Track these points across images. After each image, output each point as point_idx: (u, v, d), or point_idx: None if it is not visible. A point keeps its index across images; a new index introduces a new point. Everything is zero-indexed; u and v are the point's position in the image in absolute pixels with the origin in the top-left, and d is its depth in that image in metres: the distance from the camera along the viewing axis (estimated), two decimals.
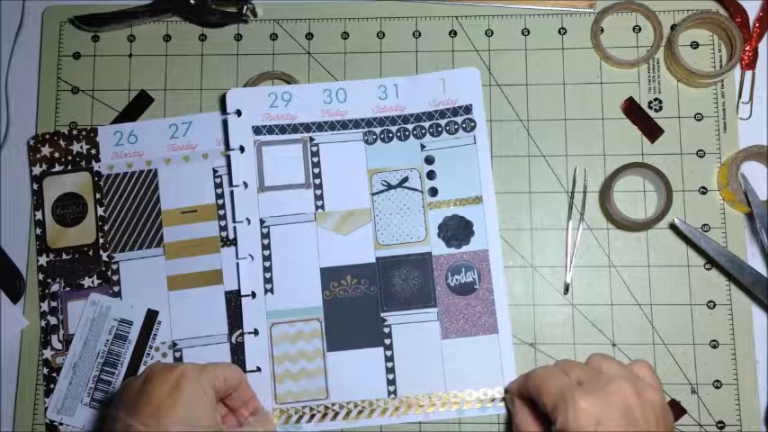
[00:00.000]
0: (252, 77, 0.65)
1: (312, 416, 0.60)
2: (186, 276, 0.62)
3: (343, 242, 0.62)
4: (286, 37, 0.66)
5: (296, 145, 0.63)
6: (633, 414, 0.46)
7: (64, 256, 0.63)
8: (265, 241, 0.62)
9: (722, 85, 0.63)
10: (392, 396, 0.60)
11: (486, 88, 0.64)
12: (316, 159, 0.63)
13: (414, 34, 0.65)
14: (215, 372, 0.53)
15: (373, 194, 0.62)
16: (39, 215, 0.63)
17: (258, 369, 0.60)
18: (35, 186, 0.64)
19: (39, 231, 0.63)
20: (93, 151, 0.64)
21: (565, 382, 0.49)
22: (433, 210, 0.62)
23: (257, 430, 0.56)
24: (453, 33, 0.65)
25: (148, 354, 0.61)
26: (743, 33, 0.62)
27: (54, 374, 0.61)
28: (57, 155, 0.64)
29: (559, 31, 0.65)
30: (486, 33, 0.65)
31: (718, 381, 0.59)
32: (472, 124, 0.63)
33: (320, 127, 0.63)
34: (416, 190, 0.62)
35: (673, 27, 0.64)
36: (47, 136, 0.64)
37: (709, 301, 0.61)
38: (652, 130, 0.63)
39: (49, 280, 0.62)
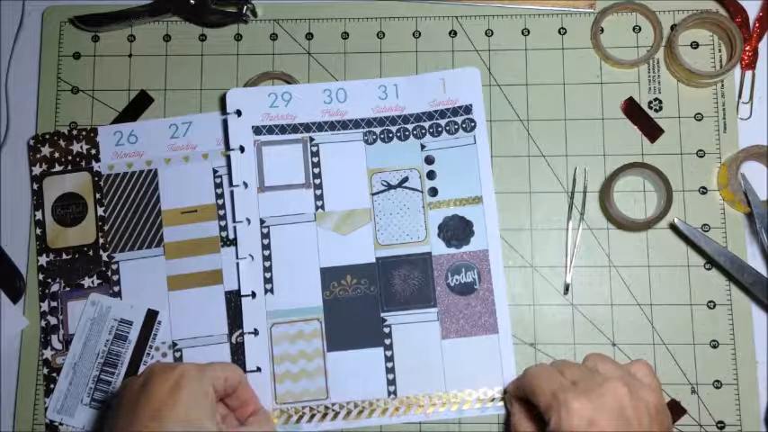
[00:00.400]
0: (252, 77, 0.65)
1: (312, 416, 0.60)
2: (186, 276, 0.62)
3: (343, 242, 0.62)
4: (286, 37, 0.66)
5: (296, 145, 0.63)
6: (627, 415, 0.46)
7: (64, 256, 0.63)
8: (265, 241, 0.62)
9: (722, 85, 0.63)
10: (392, 396, 0.60)
11: (486, 88, 0.64)
12: (316, 159, 0.63)
13: (414, 34, 0.65)
14: (215, 371, 0.53)
15: (373, 194, 0.62)
16: (39, 215, 0.63)
17: (258, 369, 0.60)
18: (35, 186, 0.64)
19: (39, 231, 0.63)
20: (93, 151, 0.64)
21: (558, 382, 0.49)
22: (433, 210, 0.62)
23: (258, 430, 0.56)
24: (453, 33, 0.65)
25: (148, 354, 0.61)
26: (743, 33, 0.62)
27: (54, 374, 0.61)
28: (57, 155, 0.64)
29: (559, 31, 0.65)
30: (486, 33, 0.65)
31: (718, 381, 0.59)
32: (472, 124, 0.63)
33: (320, 127, 0.63)
34: (416, 190, 0.62)
35: (673, 27, 0.64)
36: (47, 136, 0.64)
37: (710, 301, 0.61)
38: (652, 130, 0.63)
39: (49, 280, 0.62)
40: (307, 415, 0.60)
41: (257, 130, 0.63)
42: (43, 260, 0.63)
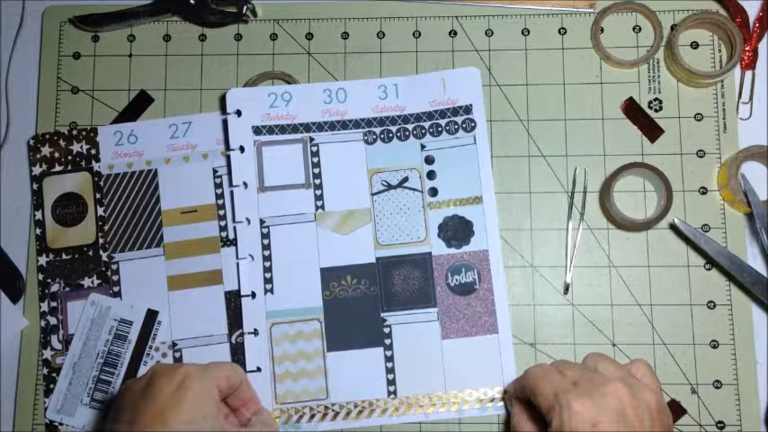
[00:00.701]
0: (252, 77, 0.65)
1: (312, 416, 0.60)
2: (186, 276, 0.62)
3: (343, 242, 0.62)
4: (286, 37, 0.66)
5: (296, 145, 0.63)
6: (628, 415, 0.46)
7: (64, 256, 0.63)
8: (265, 241, 0.62)
9: (722, 85, 0.63)
10: (392, 396, 0.60)
11: (486, 88, 0.64)
12: (316, 159, 0.63)
13: (414, 34, 0.65)
14: (218, 372, 0.53)
15: (373, 194, 0.62)
16: (39, 215, 0.63)
17: (258, 369, 0.60)
18: (35, 186, 0.64)
19: (39, 231, 0.63)
20: (93, 151, 0.64)
21: (559, 383, 0.49)
22: (433, 210, 0.62)
23: (262, 430, 0.56)
24: (453, 33, 0.65)
25: (148, 354, 0.61)
26: (743, 33, 0.62)
27: (54, 374, 0.61)
28: (57, 155, 0.64)
29: (559, 31, 0.65)
30: (486, 33, 0.65)
31: (718, 381, 0.59)
32: (472, 124, 0.63)
33: (320, 127, 0.63)
34: (416, 190, 0.62)
35: (673, 27, 0.64)
36: (47, 136, 0.64)
37: (709, 301, 0.61)
38: (652, 130, 0.63)
39: (49, 280, 0.62)
40: (307, 415, 0.60)
41: (257, 130, 0.63)
42: (43, 260, 0.63)
